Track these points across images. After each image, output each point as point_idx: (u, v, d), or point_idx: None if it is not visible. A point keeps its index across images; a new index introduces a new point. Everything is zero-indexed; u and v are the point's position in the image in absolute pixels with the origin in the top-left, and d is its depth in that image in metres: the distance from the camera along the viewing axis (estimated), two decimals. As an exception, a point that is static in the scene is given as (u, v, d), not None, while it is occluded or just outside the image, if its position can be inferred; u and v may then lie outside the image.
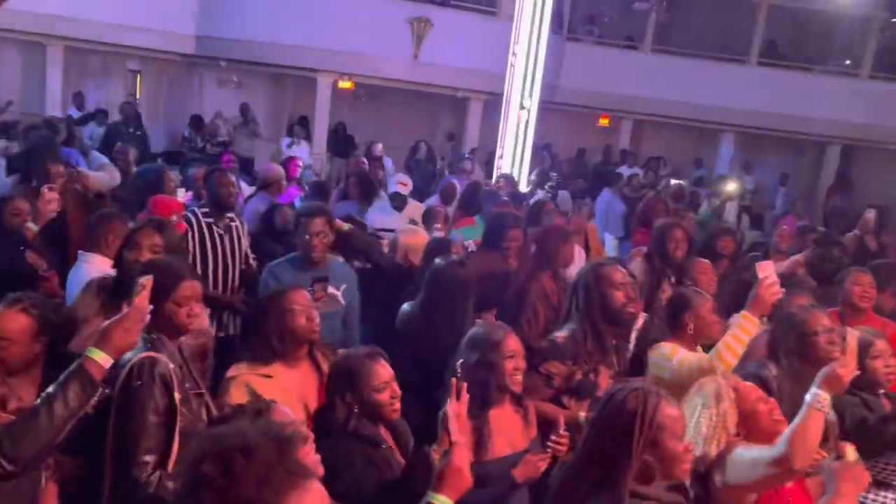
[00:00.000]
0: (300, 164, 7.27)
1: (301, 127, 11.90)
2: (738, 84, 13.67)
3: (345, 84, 12.69)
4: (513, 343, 2.66)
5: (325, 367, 2.71)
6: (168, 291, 2.28)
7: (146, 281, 2.08)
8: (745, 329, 3.04)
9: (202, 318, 2.93)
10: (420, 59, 11.88)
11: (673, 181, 9.59)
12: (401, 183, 6.49)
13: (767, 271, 3.10)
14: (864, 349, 2.93)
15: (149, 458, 2.15)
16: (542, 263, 4.04)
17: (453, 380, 2.24)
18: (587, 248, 5.97)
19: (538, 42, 8.34)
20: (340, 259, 4.04)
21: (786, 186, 14.16)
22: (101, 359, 1.96)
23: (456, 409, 2.22)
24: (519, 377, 2.67)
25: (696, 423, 2.29)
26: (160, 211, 3.93)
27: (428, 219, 5.59)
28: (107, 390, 2.03)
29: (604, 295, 3.07)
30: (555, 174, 8.07)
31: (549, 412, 2.93)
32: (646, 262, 4.50)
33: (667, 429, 1.98)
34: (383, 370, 2.43)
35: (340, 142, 12.98)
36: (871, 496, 2.88)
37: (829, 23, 14.25)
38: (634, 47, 14.49)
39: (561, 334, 3.10)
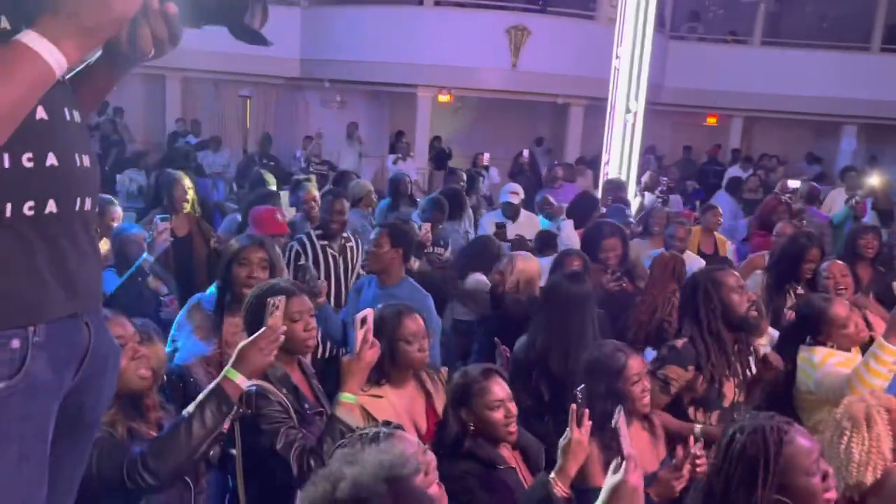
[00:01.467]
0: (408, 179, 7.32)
1: (404, 143, 12.07)
2: (859, 73, 12.85)
3: (444, 98, 12.79)
4: (636, 365, 2.57)
5: (430, 387, 2.69)
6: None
7: (279, 301, 2.13)
8: (880, 360, 2.81)
9: None
10: (518, 68, 11.82)
11: (798, 182, 9.02)
12: (512, 193, 6.43)
13: None
14: None
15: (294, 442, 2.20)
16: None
17: (573, 406, 2.20)
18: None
19: (642, 43, 8.08)
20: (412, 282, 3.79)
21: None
22: (239, 379, 2.01)
23: (578, 437, 2.19)
24: (647, 398, 2.58)
25: (847, 449, 2.12)
26: (262, 229, 3.95)
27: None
28: (241, 410, 2.09)
29: (724, 300, 2.91)
30: (665, 178, 7.76)
31: (676, 428, 2.80)
32: (766, 275, 4.26)
33: (796, 468, 1.85)
34: (499, 388, 2.37)
35: (438, 155, 13.07)
36: None
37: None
38: (741, 41, 13.87)
39: (680, 341, 2.96)
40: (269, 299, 2.14)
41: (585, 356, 2.67)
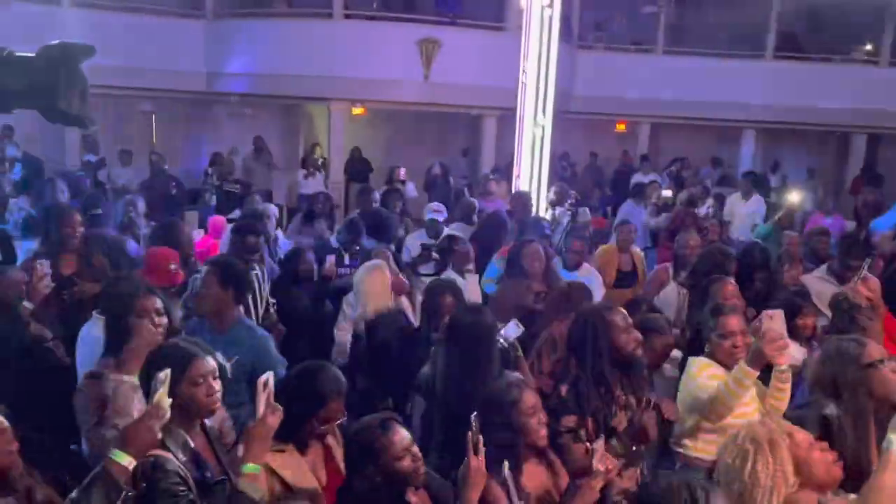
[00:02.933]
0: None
1: (315, 157, 11.89)
2: (756, 79, 13.46)
3: (357, 110, 12.68)
4: (531, 398, 2.57)
5: (329, 438, 2.60)
6: (181, 374, 2.20)
7: (164, 375, 2.05)
8: (741, 383, 2.95)
9: None
10: (431, 80, 11.83)
11: (691, 190, 9.36)
12: (436, 211, 6.41)
13: (773, 323, 2.93)
14: None
15: None
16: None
17: (469, 434, 2.24)
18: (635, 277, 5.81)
19: (548, 55, 8.20)
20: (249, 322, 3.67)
21: (813, 180, 13.84)
22: (126, 461, 1.94)
23: (476, 465, 2.24)
24: (544, 430, 2.58)
25: (752, 473, 2.10)
26: (151, 277, 3.72)
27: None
28: (130, 492, 1.97)
29: (611, 341, 2.96)
30: (573, 192, 7.89)
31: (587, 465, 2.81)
32: (682, 291, 4.38)
33: None
34: (400, 437, 2.31)
35: (357, 167, 12.95)
36: None
37: (845, 11, 13.96)
38: (645, 50, 14.33)
39: (564, 387, 2.97)
40: (157, 374, 2.05)
41: (484, 392, 2.64)
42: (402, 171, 10.74)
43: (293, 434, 2.46)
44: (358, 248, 5.60)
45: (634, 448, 2.90)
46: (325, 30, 11.92)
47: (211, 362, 2.33)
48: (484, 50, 11.78)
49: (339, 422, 2.59)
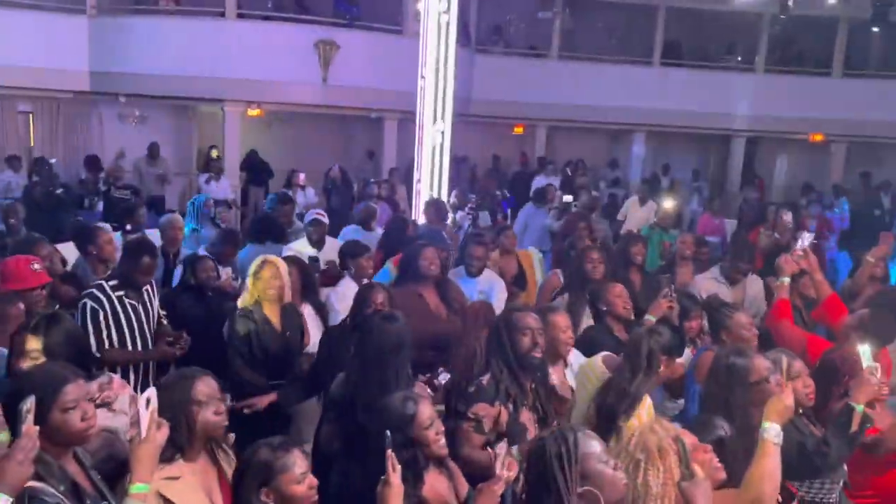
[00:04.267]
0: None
1: (217, 161, 11.49)
2: (644, 85, 14.06)
3: (253, 112, 12.38)
4: (427, 410, 2.57)
5: (221, 458, 2.49)
6: (51, 401, 2.06)
7: (30, 404, 1.93)
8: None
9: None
10: (329, 82, 11.69)
11: (595, 195, 9.69)
12: (318, 214, 6.25)
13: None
14: (784, 372, 2.94)
15: None
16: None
17: (389, 452, 2.25)
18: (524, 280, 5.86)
19: (446, 59, 8.26)
20: None
21: (698, 182, 14.60)
22: (2, 500, 1.83)
23: (393, 481, 2.24)
24: (443, 440, 2.59)
25: (644, 482, 2.17)
26: (16, 283, 3.47)
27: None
28: None
29: (513, 341, 3.06)
30: (473, 196, 7.97)
31: (482, 459, 2.84)
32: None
33: (592, 457, 2.05)
34: (300, 461, 2.25)
35: (256, 170, 12.63)
36: None
37: (724, 21, 14.81)
38: (541, 55, 14.69)
39: (485, 378, 3.06)
40: (21, 405, 1.93)
41: (380, 408, 2.62)
42: (302, 176, 10.56)
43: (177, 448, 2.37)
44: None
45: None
46: (217, 29, 11.56)
47: (84, 385, 2.21)
48: (383, 53, 11.74)
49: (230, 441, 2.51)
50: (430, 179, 8.27)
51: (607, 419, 2.95)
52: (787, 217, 6.76)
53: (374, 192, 8.97)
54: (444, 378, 3.39)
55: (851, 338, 3.43)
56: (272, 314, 4.05)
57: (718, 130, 15.00)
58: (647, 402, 3.06)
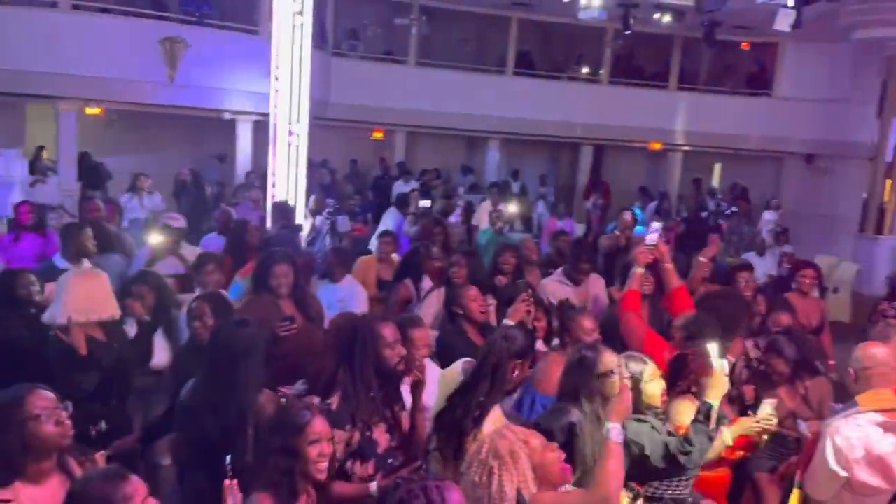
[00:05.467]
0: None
1: (45, 162, 10.61)
2: (498, 93, 14.48)
3: (92, 111, 11.57)
4: (319, 426, 2.49)
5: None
6: None
7: None
8: None
9: None
10: (177, 81, 11.14)
11: (452, 201, 9.88)
12: (171, 219, 5.92)
13: None
14: (639, 374, 3.09)
15: None
16: None
17: (227, 482, 2.16)
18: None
19: (301, 61, 8.10)
20: None
21: (545, 187, 15.23)
22: None
23: None
24: (324, 464, 2.48)
25: (500, 488, 2.19)
26: None
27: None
28: None
29: (377, 353, 2.95)
30: (332, 200, 7.87)
31: (350, 492, 2.78)
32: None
33: None
34: (137, 489, 2.09)
35: (91, 173, 11.78)
36: None
37: (571, 35, 15.57)
38: (399, 61, 14.78)
39: (334, 399, 2.93)
40: None
41: (275, 411, 2.53)
42: (148, 182, 9.99)
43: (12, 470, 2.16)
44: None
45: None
46: (50, 22, 10.68)
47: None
48: (235, 52, 11.34)
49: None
50: (287, 183, 8.09)
51: (451, 429, 2.95)
52: (628, 217, 7.17)
53: (255, 196, 8.64)
54: (298, 390, 3.28)
55: (678, 338, 3.67)
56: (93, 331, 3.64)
57: (567, 138, 15.72)
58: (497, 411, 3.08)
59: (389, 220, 8.91)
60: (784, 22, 9.76)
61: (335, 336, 3.32)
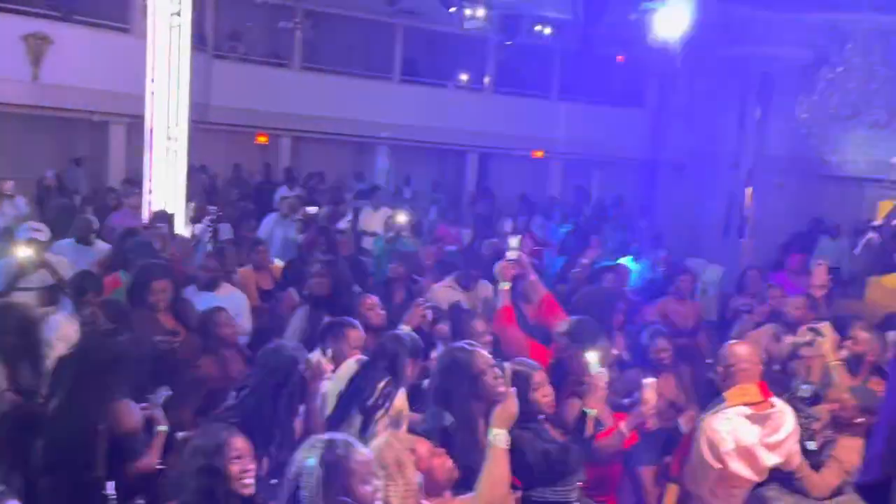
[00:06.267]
0: None
1: None
2: (386, 100, 14.48)
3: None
4: (239, 443, 2.43)
5: None
6: None
7: None
8: None
9: None
10: (42, 80, 10.44)
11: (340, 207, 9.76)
12: (35, 230, 5.51)
13: None
14: (525, 382, 3.07)
15: None
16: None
17: None
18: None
19: (179, 62, 7.78)
20: None
21: (437, 193, 15.37)
22: None
23: None
24: (249, 480, 2.43)
25: (385, 497, 2.17)
26: None
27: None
28: None
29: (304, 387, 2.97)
30: (214, 207, 7.57)
31: None
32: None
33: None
34: None
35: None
36: None
37: (456, 44, 15.80)
38: (283, 65, 14.49)
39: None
40: None
41: (193, 436, 2.44)
42: (10, 184, 9.29)
43: None
44: None
45: None
46: None
47: None
48: (106, 51, 10.75)
49: None
50: (165, 189, 7.74)
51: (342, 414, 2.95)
52: (507, 226, 7.34)
53: (134, 203, 8.16)
54: (161, 398, 3.17)
55: (563, 342, 3.78)
56: None
57: (453, 145, 15.92)
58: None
59: (267, 225, 8.73)
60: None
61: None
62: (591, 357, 3.25)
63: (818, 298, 4.84)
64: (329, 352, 3.46)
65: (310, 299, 4.67)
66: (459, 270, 5.75)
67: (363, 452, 2.03)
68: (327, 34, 15.23)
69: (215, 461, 2.37)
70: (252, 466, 2.46)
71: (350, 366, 3.47)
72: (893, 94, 8.70)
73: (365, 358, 3.48)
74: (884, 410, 3.21)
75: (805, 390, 3.68)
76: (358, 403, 3.11)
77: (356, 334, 3.63)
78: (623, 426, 3.45)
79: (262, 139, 14.94)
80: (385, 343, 3.33)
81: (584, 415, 3.15)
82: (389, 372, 3.25)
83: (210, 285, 5.06)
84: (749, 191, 12.63)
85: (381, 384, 3.17)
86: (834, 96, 9.01)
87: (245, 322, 5.02)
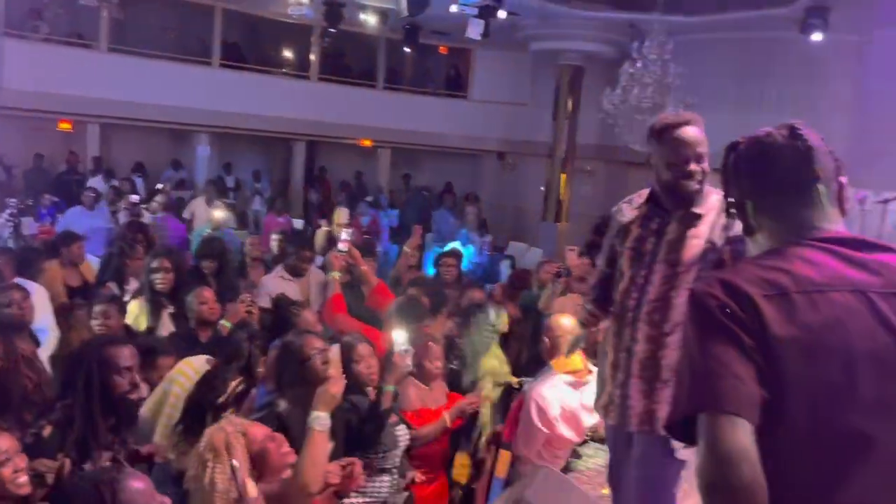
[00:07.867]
0: None
1: None
2: (206, 85, 13.84)
3: None
4: (6, 443, 2.27)
5: None
6: None
7: None
8: None
9: None
10: None
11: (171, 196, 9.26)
12: None
13: None
14: (348, 354, 3.23)
15: None
16: None
17: None
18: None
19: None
20: None
21: (260, 183, 14.98)
22: None
23: None
24: (23, 478, 2.27)
25: (211, 481, 2.17)
26: None
27: None
28: None
29: (106, 381, 2.65)
30: (14, 200, 6.90)
31: None
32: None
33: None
34: None
35: None
36: (370, 484, 3.21)
37: (280, 30, 15.42)
38: (88, 45, 13.39)
39: (47, 428, 2.64)
40: None
41: None
42: None
43: None
44: None
45: None
46: None
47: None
48: None
49: None
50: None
51: (196, 415, 2.90)
52: (341, 216, 7.40)
53: None
54: None
55: (389, 322, 3.95)
56: None
57: (279, 134, 15.56)
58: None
59: (70, 218, 8.12)
60: (474, 31, 10.69)
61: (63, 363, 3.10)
62: (397, 335, 3.39)
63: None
64: None
65: (153, 295, 4.48)
66: (288, 259, 5.69)
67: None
68: (138, 14, 14.27)
69: None
70: (23, 464, 2.31)
71: (201, 359, 3.41)
72: (685, 88, 9.65)
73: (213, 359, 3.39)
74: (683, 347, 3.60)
75: None
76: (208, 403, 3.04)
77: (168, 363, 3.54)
78: (446, 414, 3.74)
79: (64, 126, 13.72)
80: (238, 340, 3.30)
81: (381, 390, 3.30)
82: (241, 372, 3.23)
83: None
84: (563, 177, 13.49)
85: (234, 383, 3.15)
86: (635, 89, 9.82)
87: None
